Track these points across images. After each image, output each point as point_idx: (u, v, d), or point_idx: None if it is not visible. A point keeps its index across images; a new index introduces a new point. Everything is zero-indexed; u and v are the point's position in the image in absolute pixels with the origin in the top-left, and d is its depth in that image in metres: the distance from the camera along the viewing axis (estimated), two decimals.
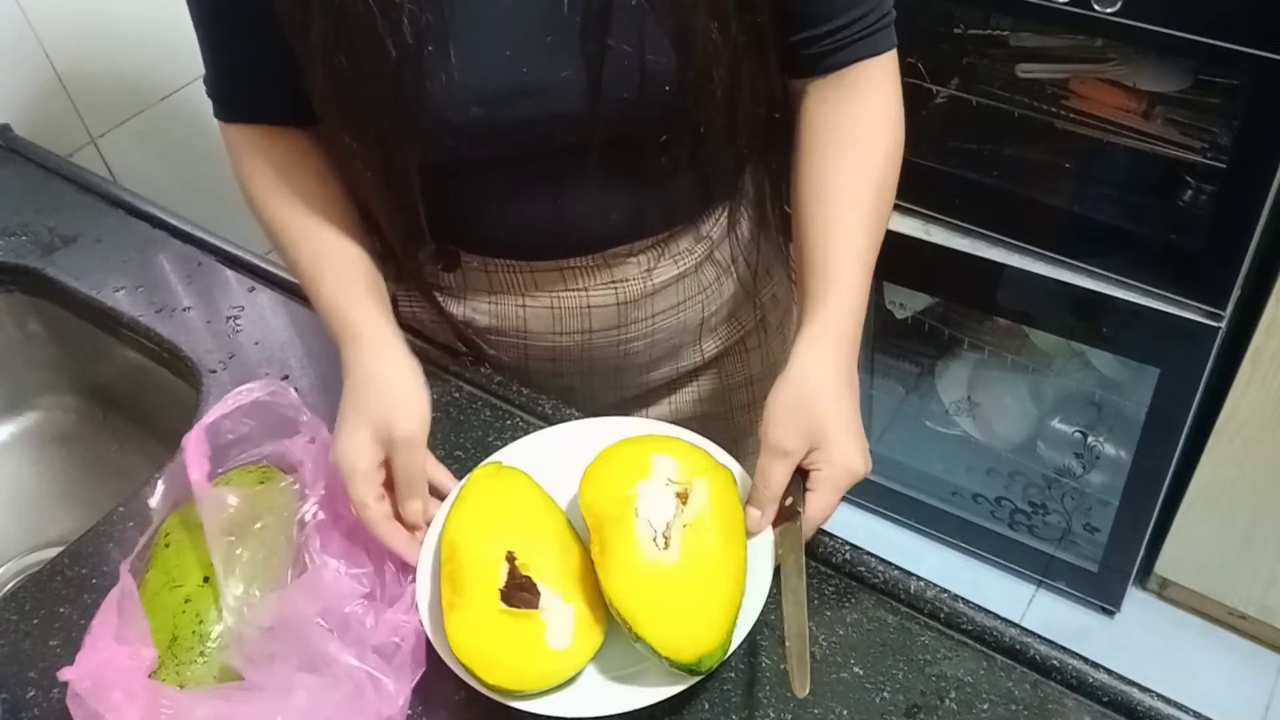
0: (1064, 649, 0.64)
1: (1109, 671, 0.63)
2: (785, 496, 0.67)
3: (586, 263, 0.80)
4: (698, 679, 0.61)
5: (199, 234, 1.01)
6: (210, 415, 0.69)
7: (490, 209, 0.77)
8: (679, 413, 0.93)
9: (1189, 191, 1.35)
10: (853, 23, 0.72)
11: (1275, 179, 1.18)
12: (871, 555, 0.70)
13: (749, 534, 0.67)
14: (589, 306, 0.82)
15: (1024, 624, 0.65)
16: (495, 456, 0.75)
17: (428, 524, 0.71)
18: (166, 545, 0.68)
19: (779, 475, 0.66)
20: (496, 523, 0.69)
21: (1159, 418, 1.47)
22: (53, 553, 0.81)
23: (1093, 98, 1.35)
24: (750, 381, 0.94)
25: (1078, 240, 1.37)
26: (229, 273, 0.98)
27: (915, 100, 1.33)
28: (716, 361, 0.92)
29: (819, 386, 0.68)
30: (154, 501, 0.70)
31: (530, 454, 0.75)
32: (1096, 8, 1.17)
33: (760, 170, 0.84)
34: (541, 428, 0.79)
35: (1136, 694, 0.62)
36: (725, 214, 0.84)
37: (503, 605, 0.64)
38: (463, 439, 0.81)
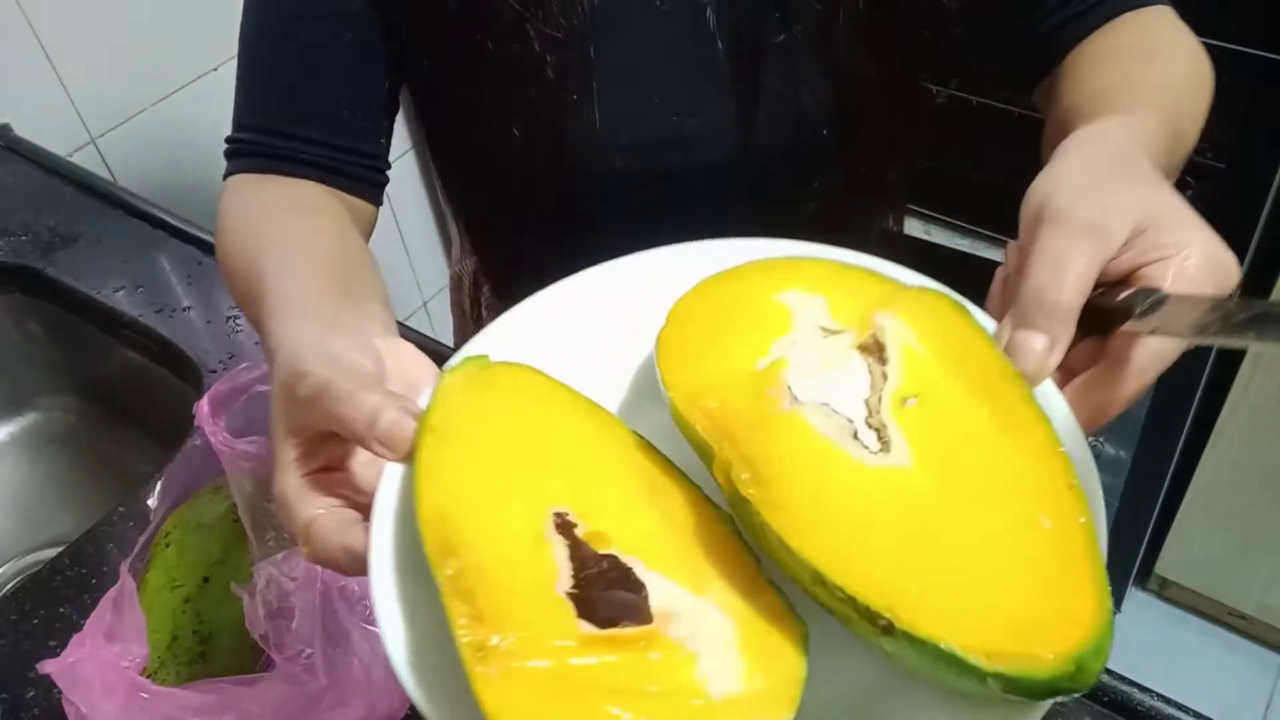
0: None
1: (1109, 671, 0.63)
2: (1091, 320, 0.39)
3: None
4: (1040, 712, 0.33)
5: (199, 234, 1.01)
6: (224, 382, 0.68)
7: (604, 249, 0.68)
8: None
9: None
10: None
11: (1275, 179, 1.18)
12: None
13: (1031, 383, 0.38)
14: None
15: None
16: (474, 346, 0.45)
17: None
18: (166, 545, 0.67)
19: (1080, 267, 0.37)
20: (514, 461, 0.38)
21: (1159, 418, 1.47)
22: (53, 553, 0.81)
23: None
24: None
25: None
26: None
27: (917, 100, 1.33)
28: None
29: (1126, 143, 0.44)
30: (154, 501, 0.70)
31: (535, 336, 0.45)
32: None
33: (887, 205, 0.75)
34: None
35: (1136, 694, 0.61)
36: None
37: (584, 628, 0.34)
38: None
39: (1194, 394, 1.41)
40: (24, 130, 1.15)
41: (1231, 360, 1.38)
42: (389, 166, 0.69)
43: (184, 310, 0.94)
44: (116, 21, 1.22)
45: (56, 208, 1.06)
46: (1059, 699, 0.32)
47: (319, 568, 0.57)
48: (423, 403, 0.40)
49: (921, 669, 0.33)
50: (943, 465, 0.35)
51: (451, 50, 0.63)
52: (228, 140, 0.68)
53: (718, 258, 0.45)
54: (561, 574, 0.35)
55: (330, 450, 0.43)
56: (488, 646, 0.33)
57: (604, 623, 0.34)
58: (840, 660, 0.36)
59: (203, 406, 0.66)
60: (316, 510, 0.41)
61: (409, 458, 0.39)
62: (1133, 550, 1.67)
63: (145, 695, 0.57)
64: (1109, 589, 0.33)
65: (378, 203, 0.68)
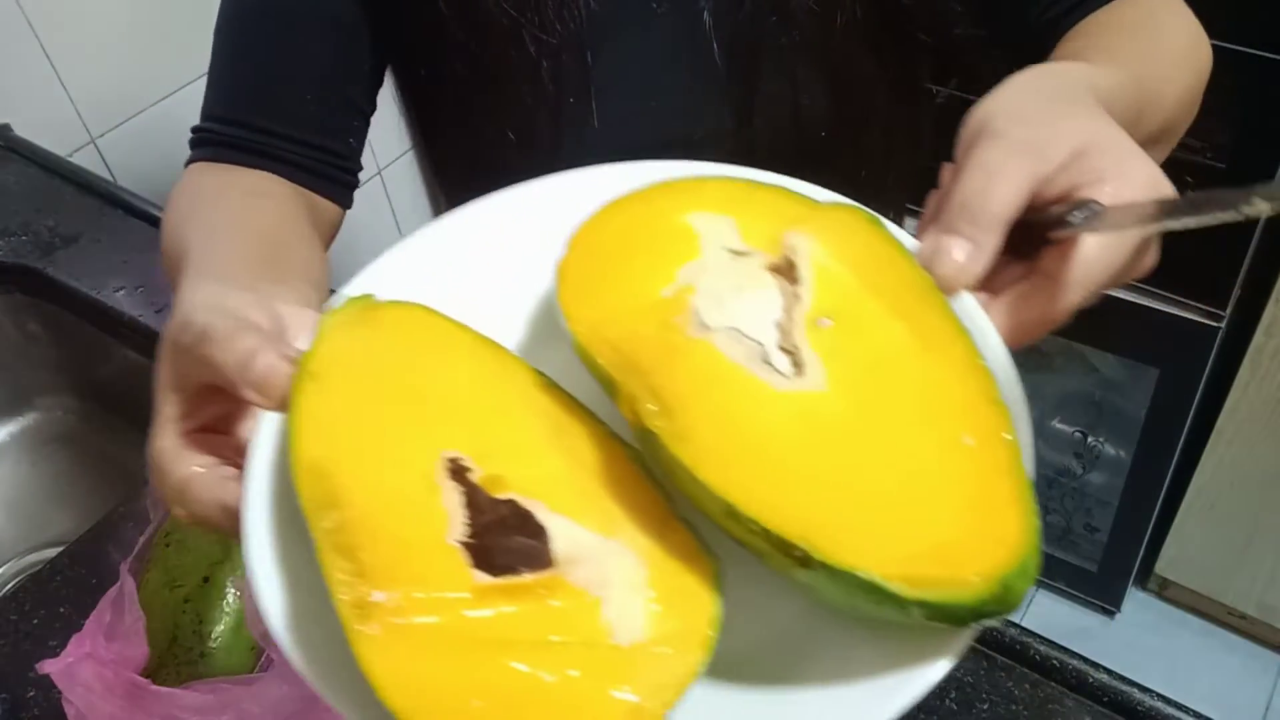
0: (1064, 649, 0.64)
1: (1109, 671, 0.63)
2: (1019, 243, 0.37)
3: None
4: (965, 641, 0.31)
5: None
6: None
7: None
8: None
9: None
10: None
11: (1275, 179, 1.18)
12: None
13: (947, 291, 0.36)
14: None
15: (1024, 624, 0.65)
16: (359, 284, 0.42)
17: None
18: (166, 545, 0.67)
19: (1012, 179, 0.36)
20: (403, 405, 0.35)
21: (1159, 418, 1.47)
22: (53, 553, 0.81)
23: None
24: None
25: None
26: None
27: (917, 101, 1.33)
28: None
29: (1073, 78, 0.43)
30: (153, 501, 0.70)
31: (427, 272, 0.42)
32: None
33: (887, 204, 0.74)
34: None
35: (1136, 694, 0.62)
36: None
37: (478, 578, 0.31)
38: None
39: (1194, 394, 1.41)
40: (24, 130, 1.15)
41: (1231, 360, 1.38)
42: (360, 169, 0.67)
43: None
44: (116, 22, 1.22)
45: (56, 208, 1.06)
46: (986, 624, 0.30)
47: None
48: (304, 347, 0.37)
49: (842, 601, 0.32)
50: (859, 386, 0.34)
51: (448, 57, 0.63)
52: (194, 130, 0.65)
53: (621, 181, 0.42)
54: (454, 522, 0.32)
55: (213, 409, 0.40)
56: (369, 604, 0.30)
57: (501, 571, 0.31)
58: (759, 598, 0.35)
59: None
60: (192, 468, 0.38)
61: (286, 405, 0.35)
62: (1133, 550, 1.67)
63: (144, 695, 0.57)
64: (1035, 506, 0.31)
65: (345, 204, 0.67)
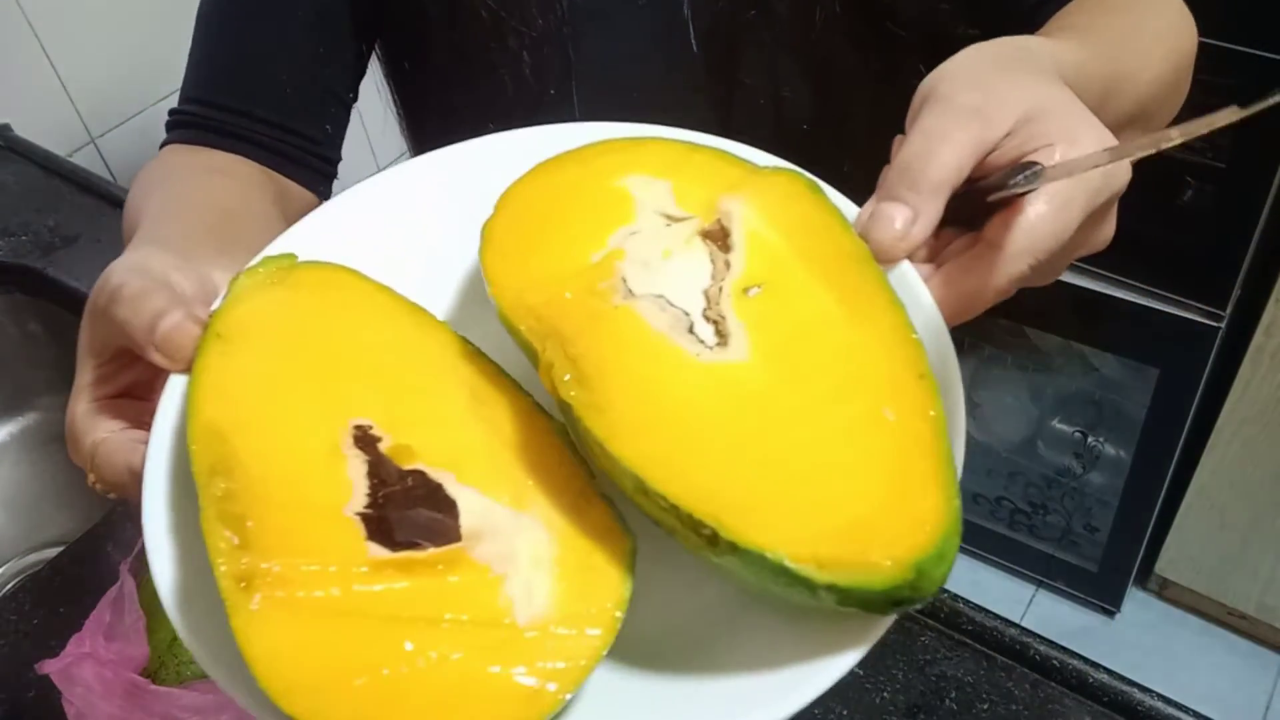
0: (1064, 649, 0.64)
1: (1109, 671, 0.63)
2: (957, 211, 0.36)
3: None
4: (880, 629, 0.30)
5: None
6: None
7: None
8: None
9: (1189, 191, 1.35)
10: None
11: (1275, 179, 1.18)
12: None
13: (884, 260, 0.35)
14: None
15: (1024, 624, 0.65)
16: (279, 245, 0.39)
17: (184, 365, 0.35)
18: None
19: (955, 144, 0.35)
20: (310, 369, 0.34)
21: (1159, 418, 1.47)
22: (53, 553, 0.81)
23: None
24: None
25: None
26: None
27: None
28: None
29: (1031, 49, 0.41)
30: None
31: (353, 233, 0.40)
32: None
33: None
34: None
35: (1136, 694, 0.62)
36: None
37: (374, 552, 0.30)
38: None
39: (1194, 394, 1.41)
40: (24, 130, 1.15)
41: (1231, 360, 1.38)
42: (338, 158, 0.67)
43: None
44: (116, 22, 1.22)
45: (56, 208, 1.06)
46: (901, 612, 0.28)
47: None
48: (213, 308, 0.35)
49: (753, 583, 0.30)
50: (783, 358, 0.32)
51: (429, 49, 0.63)
52: (170, 112, 0.64)
53: (559, 141, 0.39)
54: (356, 493, 0.30)
55: (130, 374, 0.38)
56: (251, 575, 0.29)
57: (401, 546, 0.30)
58: (674, 581, 0.33)
59: None
60: (103, 433, 0.36)
61: (191, 368, 0.34)
62: (1133, 550, 1.67)
63: (143, 695, 0.57)
64: (956, 488, 0.29)
65: (320, 193, 0.66)
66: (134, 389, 0.39)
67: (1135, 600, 1.77)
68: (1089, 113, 0.37)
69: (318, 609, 0.29)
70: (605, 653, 0.29)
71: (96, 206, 1.06)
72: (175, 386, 0.35)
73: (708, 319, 0.34)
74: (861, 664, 0.64)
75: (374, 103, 0.74)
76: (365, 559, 0.30)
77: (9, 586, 0.96)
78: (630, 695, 0.31)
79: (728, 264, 0.35)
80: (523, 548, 0.31)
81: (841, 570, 0.28)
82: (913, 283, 0.35)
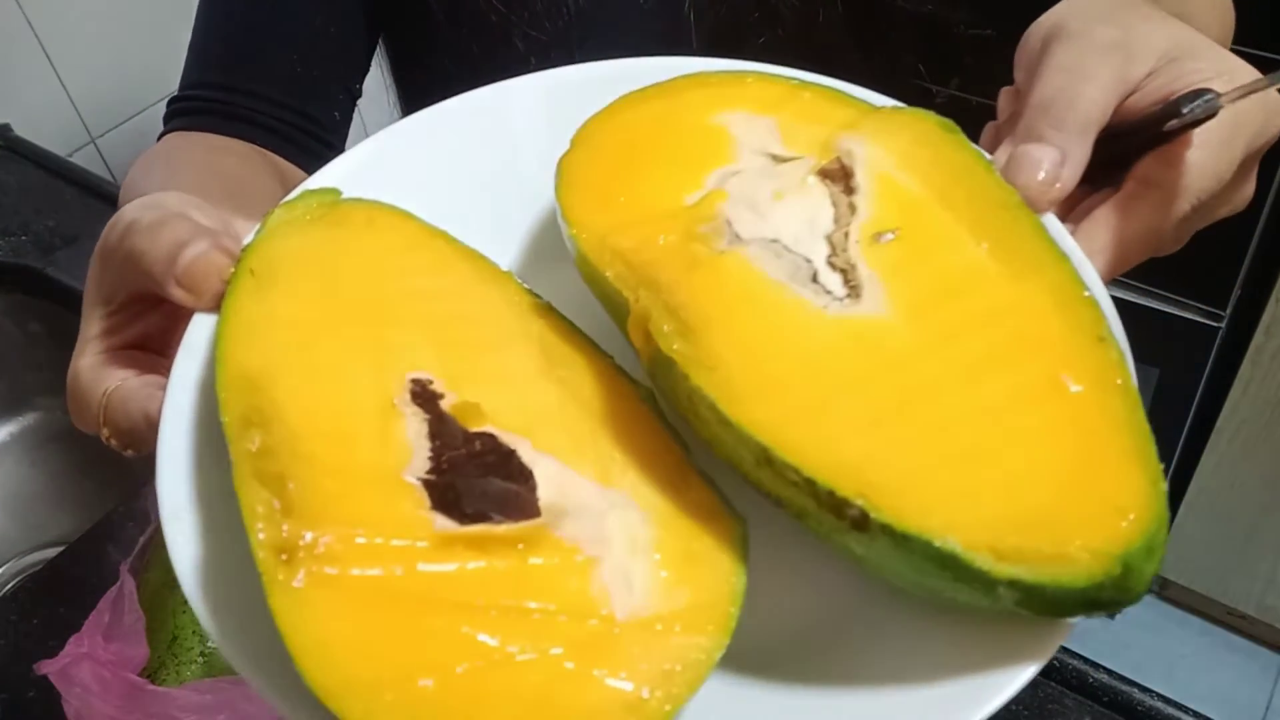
0: (1064, 649, 0.64)
1: (1109, 671, 0.63)
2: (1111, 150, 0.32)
3: None
4: (1063, 632, 0.25)
5: None
6: None
7: None
8: None
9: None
10: None
11: (1275, 179, 1.18)
12: None
13: (1037, 207, 0.30)
14: None
15: None
16: (317, 180, 0.35)
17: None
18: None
19: (1098, 82, 0.32)
20: (357, 314, 0.29)
21: (1159, 418, 1.47)
22: (53, 553, 0.81)
23: None
24: None
25: None
26: None
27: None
28: None
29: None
30: (154, 502, 0.70)
31: (409, 170, 0.35)
32: None
33: None
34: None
35: (1136, 694, 0.61)
36: None
37: (440, 524, 0.25)
38: None
39: (1194, 394, 1.41)
40: (24, 130, 1.15)
41: (1231, 360, 1.38)
42: (343, 149, 0.66)
43: None
44: (116, 22, 1.22)
45: (56, 208, 1.06)
46: (1097, 615, 0.24)
47: None
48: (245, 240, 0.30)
49: (907, 578, 0.25)
50: (930, 314, 0.27)
51: (434, 51, 0.63)
52: (170, 102, 0.61)
53: (643, 75, 0.34)
54: (416, 455, 0.26)
55: (143, 324, 0.34)
56: (295, 547, 0.24)
57: (470, 518, 0.25)
58: (796, 572, 0.28)
59: None
60: (115, 382, 0.32)
61: (219, 306, 0.29)
62: None
63: (141, 695, 0.57)
64: (1159, 468, 0.25)
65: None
66: (148, 340, 0.34)
67: None
68: (1231, 54, 0.33)
69: (374, 590, 0.24)
70: (720, 656, 0.24)
71: (96, 206, 1.06)
72: (200, 328, 0.30)
73: (834, 267, 0.28)
74: None
75: (379, 103, 0.74)
76: (430, 532, 0.24)
77: (9, 586, 0.95)
78: (744, 709, 0.26)
79: (852, 207, 0.29)
80: (615, 528, 0.25)
81: (1027, 562, 0.23)
82: (1062, 236, 0.30)
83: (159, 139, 0.62)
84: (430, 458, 0.26)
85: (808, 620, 0.27)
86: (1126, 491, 0.24)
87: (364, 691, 0.22)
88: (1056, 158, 0.31)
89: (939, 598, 0.25)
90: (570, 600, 0.24)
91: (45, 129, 1.17)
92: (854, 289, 0.28)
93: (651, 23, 0.62)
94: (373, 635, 0.23)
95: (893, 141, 0.31)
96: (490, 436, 0.26)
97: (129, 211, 0.33)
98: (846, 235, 0.29)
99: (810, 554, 0.28)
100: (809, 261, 0.28)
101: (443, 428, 0.26)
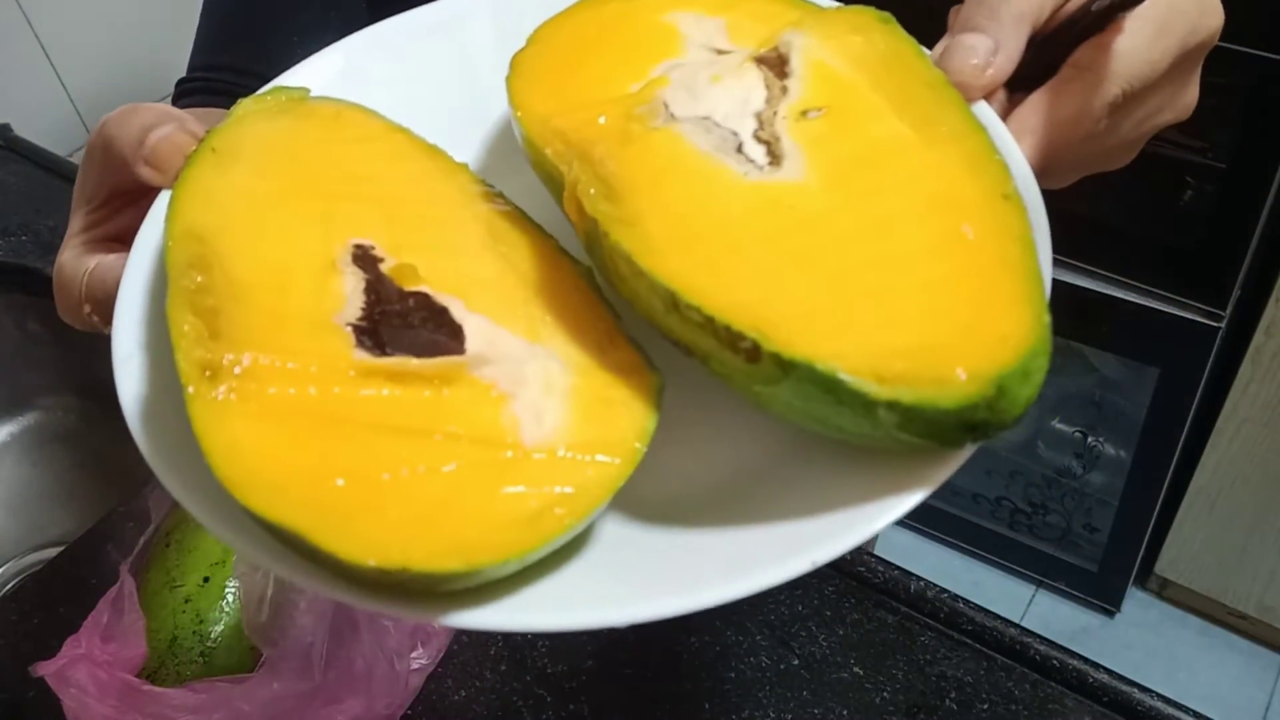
0: (1064, 649, 0.64)
1: (1109, 671, 0.63)
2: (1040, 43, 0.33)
3: None
4: (951, 465, 0.26)
5: None
6: None
7: None
8: None
9: (1189, 191, 1.35)
10: None
11: (1275, 179, 1.18)
12: (871, 555, 0.70)
13: (969, 95, 0.31)
14: None
15: (1024, 624, 0.65)
16: (288, 79, 0.37)
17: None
18: (166, 545, 0.67)
19: None
20: (311, 189, 0.31)
21: (1159, 418, 1.47)
22: (53, 553, 0.81)
23: None
24: None
25: (1077, 240, 1.37)
26: None
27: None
28: None
29: None
30: (154, 501, 0.70)
31: (377, 75, 0.37)
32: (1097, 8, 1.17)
33: None
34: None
35: (1136, 694, 0.62)
36: None
37: (361, 355, 0.27)
38: None
39: (1194, 394, 1.41)
40: (24, 130, 1.15)
41: (1231, 360, 1.38)
42: None
43: None
44: (116, 21, 1.22)
45: (56, 208, 1.06)
46: (977, 442, 0.24)
47: None
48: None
49: (796, 408, 0.26)
50: (845, 178, 0.28)
51: None
52: (179, 82, 0.61)
53: None
54: (349, 306, 0.27)
55: (125, 219, 0.35)
56: (219, 366, 0.25)
57: (389, 349, 0.27)
58: (704, 425, 0.30)
59: None
60: (95, 261, 0.34)
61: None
62: (1133, 550, 1.67)
63: (137, 695, 0.57)
64: (1046, 305, 0.26)
65: None
66: (127, 234, 0.34)
67: (1135, 600, 1.77)
68: None
69: (291, 407, 0.25)
70: (621, 485, 0.26)
71: None
72: (165, 200, 0.32)
73: (759, 139, 0.30)
74: (861, 664, 0.64)
75: None
76: (351, 363, 0.26)
77: (9, 586, 0.96)
78: (649, 542, 0.27)
79: (784, 89, 0.31)
80: (534, 374, 0.27)
81: (906, 386, 0.24)
82: (992, 122, 0.31)
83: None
84: (363, 309, 0.28)
85: (716, 469, 0.29)
86: (1009, 323, 0.25)
87: (272, 489, 0.23)
88: (990, 45, 0.31)
89: (829, 427, 0.26)
90: (480, 428, 0.26)
91: (45, 129, 1.17)
92: (776, 158, 0.29)
93: None
94: (286, 444, 0.24)
95: (829, 31, 0.32)
96: (424, 295, 0.28)
97: (112, 114, 0.34)
98: (775, 113, 0.31)
99: (722, 408, 0.30)
100: (735, 134, 0.30)
101: (379, 287, 0.28)
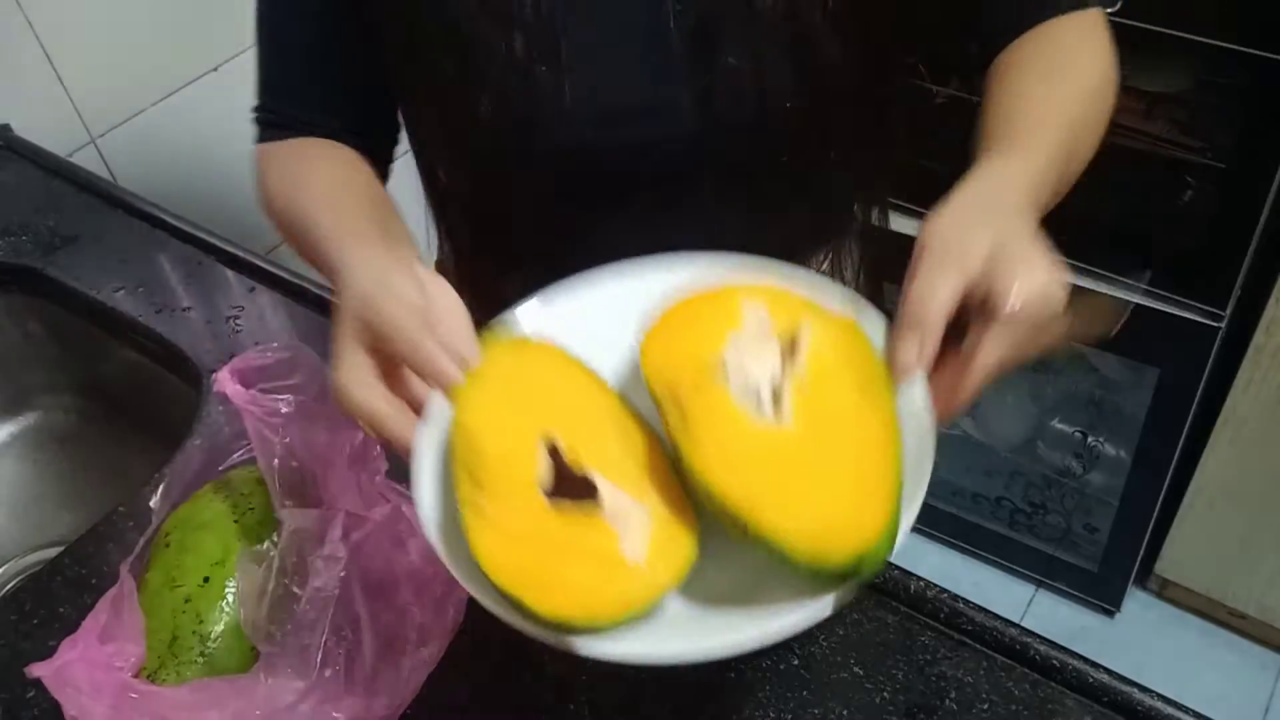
0: (1064, 649, 0.64)
1: (1109, 671, 0.63)
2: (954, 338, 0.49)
3: None
4: (845, 594, 0.45)
5: (199, 234, 1.01)
6: (241, 360, 0.67)
7: (587, 234, 0.71)
8: None
9: (1189, 191, 1.35)
10: None
11: (1275, 179, 1.18)
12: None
13: (898, 379, 0.49)
14: None
15: (1024, 624, 0.65)
16: (520, 310, 0.58)
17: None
18: (166, 545, 0.68)
19: (944, 290, 0.47)
20: (527, 404, 0.52)
21: (1159, 418, 1.47)
22: (53, 553, 0.82)
23: None
24: None
25: (1077, 240, 1.37)
26: (229, 273, 0.98)
27: (915, 98, 1.33)
28: None
29: (1004, 185, 0.53)
30: (154, 502, 0.70)
31: (560, 321, 0.58)
32: None
33: (867, 209, 0.78)
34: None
35: (1136, 694, 0.62)
36: (829, 261, 0.79)
37: (548, 502, 0.48)
38: None
39: (1194, 394, 1.41)
40: (24, 130, 1.15)
41: (1231, 360, 1.38)
42: (399, 129, 0.75)
43: (184, 310, 0.94)
44: (116, 21, 1.22)
45: (56, 208, 1.06)
46: (854, 583, 0.44)
47: (345, 552, 0.60)
48: (463, 346, 0.52)
49: (768, 560, 0.45)
50: (815, 425, 0.48)
51: (419, 29, 0.65)
52: (254, 109, 0.74)
53: (703, 271, 0.57)
54: (542, 474, 0.49)
55: (383, 359, 0.53)
56: (479, 504, 0.47)
57: (565, 499, 0.48)
58: (719, 556, 0.49)
59: (224, 374, 0.65)
60: (382, 405, 0.51)
61: (452, 393, 0.52)
62: (1133, 550, 1.67)
63: (134, 695, 0.57)
64: (899, 509, 0.45)
65: (383, 178, 0.75)
66: (387, 366, 0.53)
67: (1135, 600, 1.77)
68: (1039, 248, 0.49)
69: (513, 530, 0.47)
70: (677, 585, 0.47)
71: (96, 206, 1.06)
72: (438, 399, 0.52)
73: (772, 397, 0.49)
74: (861, 664, 0.64)
75: None
76: (544, 509, 0.48)
77: (9, 586, 0.96)
78: (688, 613, 0.48)
79: (793, 363, 0.51)
80: (635, 520, 0.48)
81: (815, 555, 0.44)
82: (918, 385, 0.49)
83: (256, 142, 0.74)
84: (550, 477, 0.49)
85: (724, 578, 0.49)
86: (876, 518, 0.44)
87: (504, 571, 0.45)
88: (916, 350, 0.48)
89: (789, 569, 0.45)
90: (605, 549, 0.47)
91: (45, 129, 1.17)
92: (779, 409, 0.49)
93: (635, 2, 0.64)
94: (511, 549, 0.46)
95: (826, 329, 0.52)
96: (582, 468, 0.49)
97: (378, 300, 0.52)
98: (784, 379, 0.50)
99: (726, 544, 0.49)
100: (758, 392, 0.50)
101: (559, 462, 0.50)
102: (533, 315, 0.58)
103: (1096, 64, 0.65)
